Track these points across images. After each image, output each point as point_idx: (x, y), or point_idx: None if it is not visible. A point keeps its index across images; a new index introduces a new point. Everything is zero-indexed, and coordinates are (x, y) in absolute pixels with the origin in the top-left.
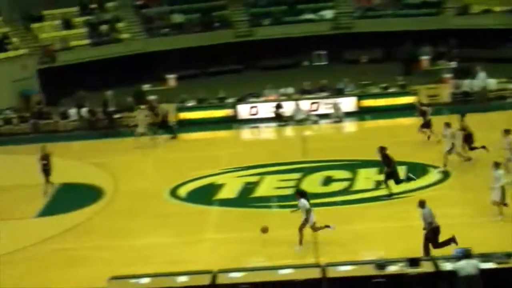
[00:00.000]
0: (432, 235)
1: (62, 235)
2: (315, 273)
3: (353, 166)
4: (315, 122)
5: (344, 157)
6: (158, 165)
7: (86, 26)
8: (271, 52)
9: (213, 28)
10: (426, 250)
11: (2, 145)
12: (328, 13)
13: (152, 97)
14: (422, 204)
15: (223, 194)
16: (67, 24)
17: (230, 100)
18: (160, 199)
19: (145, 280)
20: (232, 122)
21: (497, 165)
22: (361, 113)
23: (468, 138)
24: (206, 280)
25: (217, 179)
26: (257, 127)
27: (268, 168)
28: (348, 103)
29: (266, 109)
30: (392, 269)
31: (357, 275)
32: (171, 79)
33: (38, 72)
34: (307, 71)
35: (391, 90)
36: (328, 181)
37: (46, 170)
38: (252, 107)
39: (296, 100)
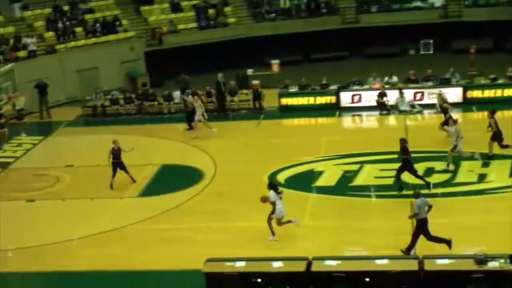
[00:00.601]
0: (421, 227)
1: (161, 216)
2: (412, 265)
3: (456, 158)
4: (419, 112)
5: (447, 149)
6: (259, 149)
7: (194, 10)
8: (377, 40)
9: (320, 14)
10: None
11: (107, 125)
12: (438, 1)
13: (256, 82)
14: (417, 195)
15: (321, 182)
16: (176, 8)
17: (333, 87)
18: (258, 183)
19: (241, 264)
20: (334, 109)
21: None
22: (467, 104)
23: (496, 136)
24: (301, 266)
25: (316, 166)
26: (359, 115)
27: (368, 157)
28: (454, 94)
29: (369, 97)
30: (492, 265)
31: (455, 269)
32: (275, 65)
33: (145, 54)
34: (412, 60)
35: (500, 81)
36: (429, 172)
37: (117, 164)
38: (354, 94)
39: (401, 89)
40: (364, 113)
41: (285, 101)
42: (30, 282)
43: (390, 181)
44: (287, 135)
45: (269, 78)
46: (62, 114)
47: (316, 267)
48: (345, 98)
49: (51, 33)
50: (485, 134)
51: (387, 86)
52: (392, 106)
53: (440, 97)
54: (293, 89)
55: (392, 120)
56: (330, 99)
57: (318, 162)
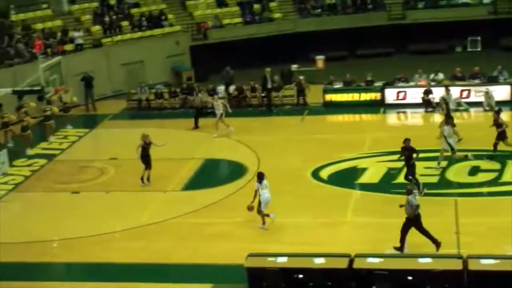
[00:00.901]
0: (415, 221)
1: (202, 210)
2: (456, 265)
3: (503, 157)
4: (466, 110)
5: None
6: (303, 145)
7: (239, 5)
8: (423, 36)
9: (366, 10)
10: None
11: (152, 119)
12: None
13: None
14: (409, 191)
15: (365, 178)
16: (221, 2)
17: (378, 84)
18: (302, 179)
19: (282, 259)
20: (378, 106)
21: None
22: None
23: (502, 134)
24: (343, 263)
25: (360, 163)
26: (404, 112)
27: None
28: (501, 92)
29: (414, 94)
30: None
31: (500, 270)
32: (320, 60)
33: (190, 48)
34: (459, 57)
35: None
36: (475, 171)
37: (145, 156)
38: (400, 91)
39: (447, 86)
40: (409, 110)
41: (330, 97)
42: (73, 272)
43: (434, 179)
44: (331, 131)
45: (314, 74)
46: (107, 107)
47: (358, 264)
48: (390, 95)
49: (97, 27)
50: None
51: (433, 83)
52: (437, 103)
53: (442, 98)
54: (338, 85)
55: (437, 117)
56: (375, 95)
57: (361, 159)
